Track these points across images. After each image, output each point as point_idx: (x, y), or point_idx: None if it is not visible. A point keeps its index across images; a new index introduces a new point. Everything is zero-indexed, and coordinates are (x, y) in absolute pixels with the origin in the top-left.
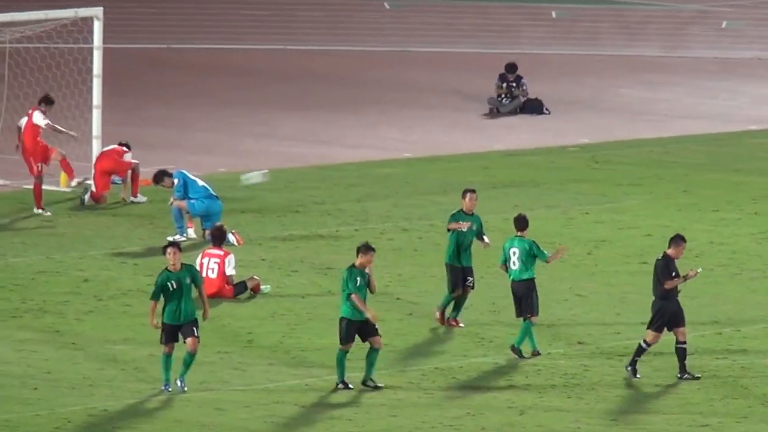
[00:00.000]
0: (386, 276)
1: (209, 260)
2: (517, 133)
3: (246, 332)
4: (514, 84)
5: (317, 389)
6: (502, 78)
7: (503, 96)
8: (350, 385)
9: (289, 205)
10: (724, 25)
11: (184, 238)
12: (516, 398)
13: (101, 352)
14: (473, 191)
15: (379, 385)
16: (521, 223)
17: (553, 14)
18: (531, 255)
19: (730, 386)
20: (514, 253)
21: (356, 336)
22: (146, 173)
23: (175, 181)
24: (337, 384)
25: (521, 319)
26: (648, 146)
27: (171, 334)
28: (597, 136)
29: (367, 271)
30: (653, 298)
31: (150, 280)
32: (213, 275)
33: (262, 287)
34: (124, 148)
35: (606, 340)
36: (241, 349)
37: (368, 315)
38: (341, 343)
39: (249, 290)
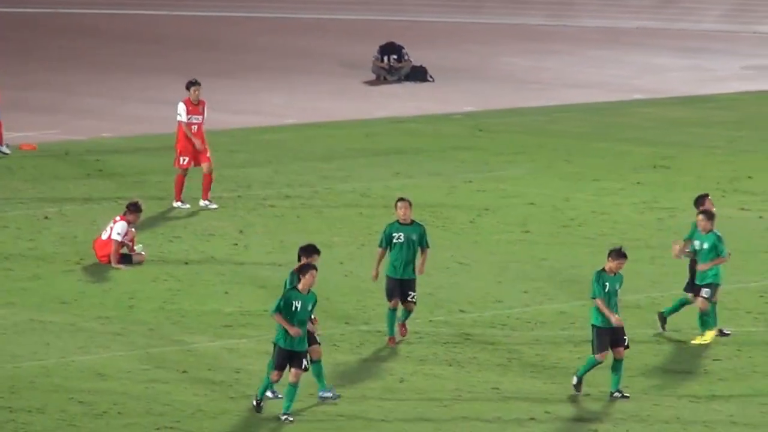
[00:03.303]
0: (268, 243)
1: (112, 223)
2: (401, 101)
3: (128, 297)
4: (395, 57)
5: (198, 354)
6: (383, 51)
7: (386, 71)
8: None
9: (170, 170)
10: None
11: None
12: (397, 366)
13: None
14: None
15: (626, 395)
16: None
17: None
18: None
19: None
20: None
21: None
22: (31, 138)
23: None
24: (575, 381)
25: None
26: (532, 115)
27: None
28: (481, 104)
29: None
30: None
31: (32, 244)
32: (104, 237)
33: (135, 247)
34: None
35: (487, 309)
36: (123, 315)
37: (612, 320)
38: (594, 351)
39: (132, 264)
